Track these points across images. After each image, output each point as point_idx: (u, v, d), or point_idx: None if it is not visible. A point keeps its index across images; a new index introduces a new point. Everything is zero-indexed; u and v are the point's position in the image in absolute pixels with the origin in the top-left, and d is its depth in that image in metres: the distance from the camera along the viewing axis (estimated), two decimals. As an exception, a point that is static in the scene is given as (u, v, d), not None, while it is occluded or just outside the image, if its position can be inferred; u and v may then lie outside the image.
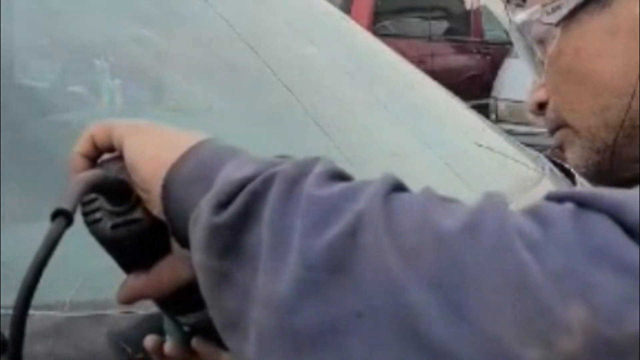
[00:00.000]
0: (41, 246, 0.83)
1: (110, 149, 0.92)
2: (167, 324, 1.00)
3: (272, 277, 0.71)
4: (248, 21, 2.31)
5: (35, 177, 1.78)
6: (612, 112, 0.90)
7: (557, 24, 0.91)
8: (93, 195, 0.89)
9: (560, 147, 0.96)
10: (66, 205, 0.84)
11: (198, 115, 2.10)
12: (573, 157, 0.95)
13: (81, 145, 0.94)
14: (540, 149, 2.77)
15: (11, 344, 0.83)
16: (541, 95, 0.96)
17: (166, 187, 0.83)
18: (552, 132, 0.96)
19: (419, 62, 7.42)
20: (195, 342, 0.97)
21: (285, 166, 0.75)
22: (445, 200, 0.70)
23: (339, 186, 0.73)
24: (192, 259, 0.78)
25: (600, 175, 0.93)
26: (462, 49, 10.57)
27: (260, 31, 2.30)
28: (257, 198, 0.74)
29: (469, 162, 2.23)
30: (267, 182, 0.74)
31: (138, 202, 0.89)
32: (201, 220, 0.76)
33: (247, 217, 0.73)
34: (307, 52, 2.39)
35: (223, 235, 0.74)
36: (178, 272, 0.90)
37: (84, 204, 0.90)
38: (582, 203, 0.66)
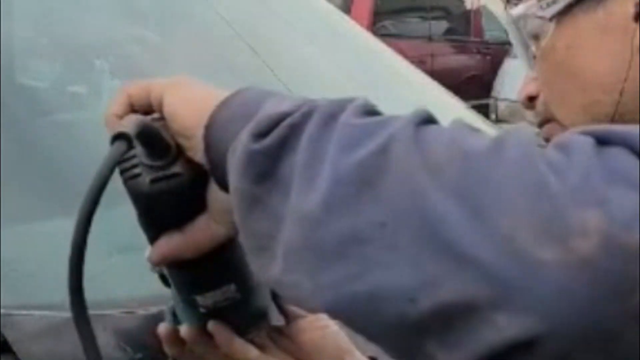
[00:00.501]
0: (100, 168, 0.84)
1: (148, 108, 0.92)
2: (182, 308, 0.99)
3: (304, 195, 0.73)
4: (248, 21, 2.31)
5: (35, 177, 1.78)
6: (599, 108, 0.91)
7: (551, 19, 0.93)
8: (132, 152, 0.89)
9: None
10: (127, 129, 0.85)
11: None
12: None
13: (117, 105, 0.94)
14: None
15: (70, 273, 0.84)
16: (532, 88, 0.98)
17: (208, 128, 0.84)
18: (540, 125, 0.98)
19: (419, 62, 7.42)
20: (211, 325, 0.98)
21: (323, 102, 0.77)
22: (479, 129, 0.73)
23: (374, 117, 0.76)
24: (229, 183, 0.79)
25: None
26: (462, 49, 10.57)
27: (261, 31, 2.30)
28: (295, 130, 0.76)
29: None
30: (306, 116, 0.76)
31: (177, 156, 0.89)
32: (239, 147, 0.78)
33: (284, 146, 0.75)
34: (307, 52, 2.39)
35: (259, 161, 0.76)
36: (212, 231, 0.91)
37: (121, 161, 0.89)
38: (600, 139, 0.67)
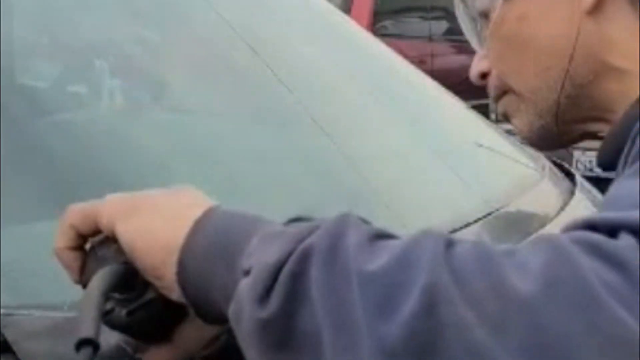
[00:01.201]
0: None
1: (96, 231, 0.88)
2: None
3: None
4: (248, 21, 2.31)
5: (35, 177, 1.78)
6: (553, 73, 0.93)
7: None
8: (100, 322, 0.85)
9: (506, 115, 1.00)
10: (88, 333, 0.81)
11: (198, 115, 2.10)
12: (518, 122, 0.98)
13: (63, 238, 0.90)
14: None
15: None
16: (483, 65, 1.00)
17: (181, 270, 0.80)
18: (497, 99, 0.99)
19: (419, 62, 7.42)
20: None
21: (315, 238, 0.72)
22: (505, 253, 0.68)
23: (388, 254, 0.70)
24: (245, 353, 0.75)
25: (545, 138, 0.96)
26: (462, 49, 10.56)
27: (261, 31, 2.30)
28: (298, 279, 0.71)
29: (469, 162, 2.23)
30: (304, 260, 0.71)
31: (147, 282, 0.86)
32: (245, 316, 0.73)
33: (293, 302, 0.70)
34: (307, 52, 2.39)
35: (274, 328, 0.71)
36: (201, 331, 0.89)
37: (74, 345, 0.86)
38: (613, 228, 0.66)
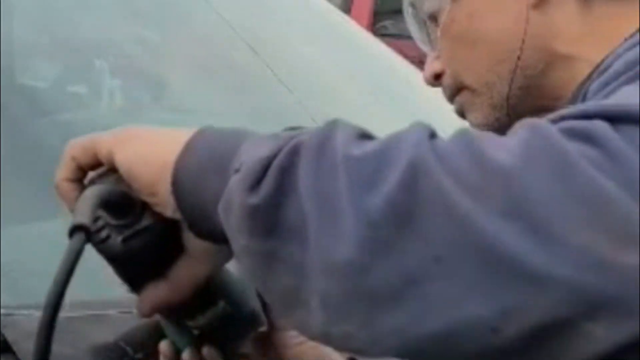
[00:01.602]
0: (62, 263, 0.81)
1: (96, 165, 0.90)
2: (173, 332, 0.98)
3: (328, 244, 0.70)
4: (248, 21, 2.31)
5: (35, 177, 1.78)
6: (504, 66, 0.95)
7: None
8: (95, 213, 0.86)
9: (461, 113, 1.02)
10: (82, 219, 0.81)
11: (198, 115, 2.10)
12: (474, 117, 1.00)
13: (64, 170, 0.91)
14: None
15: None
16: (436, 66, 1.02)
17: (176, 183, 0.82)
18: (452, 98, 1.02)
19: (419, 62, 7.41)
20: (206, 351, 0.97)
21: (305, 136, 0.75)
22: (486, 135, 0.72)
23: (375, 143, 0.73)
24: (233, 246, 0.77)
25: (501, 131, 0.98)
26: (462, 49, 10.54)
27: (261, 31, 2.30)
28: (287, 171, 0.73)
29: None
30: (293, 154, 0.73)
31: (143, 210, 0.87)
32: (235, 204, 0.75)
33: (281, 192, 0.73)
34: (307, 52, 2.39)
35: (262, 214, 0.73)
36: (196, 270, 0.90)
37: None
38: (612, 118, 0.68)
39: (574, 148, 0.67)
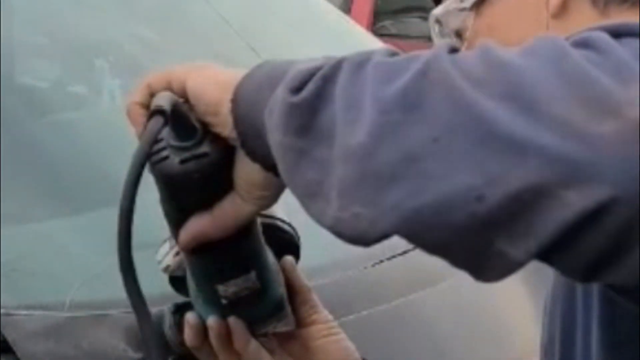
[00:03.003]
0: (140, 143, 0.84)
1: None
2: (203, 300, 0.99)
3: (349, 134, 0.75)
4: (248, 21, 2.31)
5: (35, 177, 1.78)
6: None
7: (471, 8, 1.00)
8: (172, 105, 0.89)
9: None
10: (163, 103, 0.86)
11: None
12: None
13: (138, 94, 0.95)
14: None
15: (119, 249, 0.85)
16: None
17: (236, 99, 0.87)
18: None
19: (419, 62, 7.41)
20: (233, 321, 0.99)
21: (350, 54, 0.81)
22: (501, 47, 0.77)
23: (403, 55, 0.79)
24: (271, 142, 0.82)
25: None
26: (462, 49, 10.56)
27: (261, 31, 2.30)
28: (328, 81, 0.79)
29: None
30: (336, 67, 0.79)
31: (204, 137, 0.90)
32: (277, 104, 0.80)
33: (320, 98, 0.78)
34: (307, 52, 2.39)
35: (299, 114, 0.79)
36: (240, 207, 0.92)
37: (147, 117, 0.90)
38: (615, 33, 0.75)
39: (574, 50, 0.73)
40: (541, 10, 0.96)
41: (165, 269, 0.99)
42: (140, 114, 0.93)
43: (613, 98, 0.70)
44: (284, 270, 1.02)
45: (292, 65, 0.84)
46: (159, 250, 0.98)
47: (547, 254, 0.71)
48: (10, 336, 1.35)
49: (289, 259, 1.03)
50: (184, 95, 0.91)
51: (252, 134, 0.86)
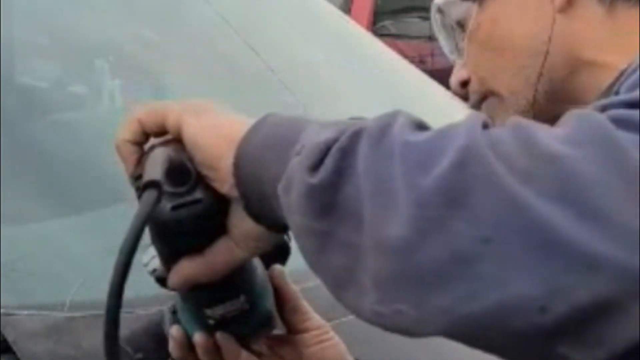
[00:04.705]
0: (135, 218, 0.82)
1: (160, 133, 0.91)
2: (188, 319, 0.99)
3: (382, 223, 0.71)
4: (248, 21, 2.31)
5: (35, 177, 1.78)
6: (530, 70, 0.96)
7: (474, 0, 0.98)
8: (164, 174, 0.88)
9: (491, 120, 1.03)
10: (156, 176, 0.83)
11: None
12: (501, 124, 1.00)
13: (128, 131, 0.92)
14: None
15: (105, 337, 0.82)
16: (463, 74, 1.03)
17: (239, 160, 0.84)
18: (478, 104, 1.02)
19: (419, 62, 7.41)
20: (220, 337, 0.98)
21: (367, 122, 0.77)
22: (538, 125, 0.73)
23: (431, 131, 0.75)
24: (290, 224, 0.79)
25: None
26: (462, 49, 10.52)
27: (261, 31, 2.30)
28: (347, 154, 0.75)
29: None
30: (354, 138, 0.75)
31: (198, 182, 0.88)
32: (295, 184, 0.76)
33: (340, 174, 0.74)
34: (307, 52, 2.39)
35: (320, 194, 0.75)
36: (233, 253, 0.91)
37: (138, 189, 0.88)
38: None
39: (623, 135, 0.68)
40: (546, 4, 0.95)
41: (152, 272, 0.98)
42: (131, 152, 0.90)
43: None
44: (272, 278, 1.01)
45: (302, 128, 0.80)
46: (145, 252, 0.97)
47: None
48: (10, 336, 1.35)
49: (277, 268, 1.02)
50: (178, 136, 0.88)
51: (258, 199, 0.83)
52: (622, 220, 0.66)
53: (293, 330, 1.03)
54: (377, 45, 2.68)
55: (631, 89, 0.78)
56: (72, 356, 1.41)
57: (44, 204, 1.71)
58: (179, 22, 2.29)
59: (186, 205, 0.88)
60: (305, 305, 1.03)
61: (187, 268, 0.91)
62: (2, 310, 1.35)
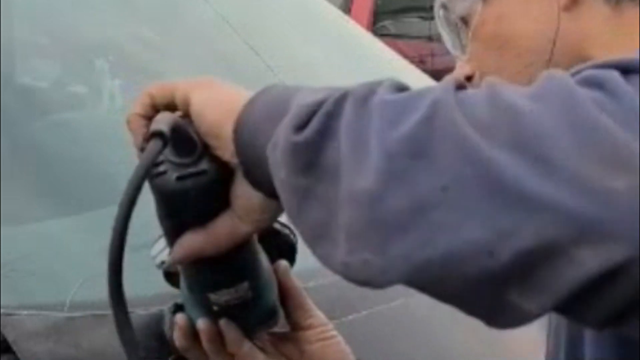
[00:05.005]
0: (138, 166, 0.84)
1: (171, 108, 0.92)
2: (193, 305, 0.99)
3: (355, 175, 0.74)
4: (249, 21, 2.31)
5: (35, 177, 1.78)
6: (534, 69, 0.95)
7: None
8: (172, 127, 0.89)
9: None
10: (162, 126, 0.85)
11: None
12: None
13: (139, 105, 0.94)
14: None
15: (109, 260, 0.85)
16: (466, 70, 1.03)
17: (238, 127, 0.86)
18: None
19: (419, 62, 7.41)
20: (224, 324, 0.98)
21: (354, 87, 0.79)
22: (511, 85, 0.75)
23: (409, 91, 0.78)
24: (275, 181, 0.81)
25: None
26: (462, 49, 10.51)
27: (261, 31, 2.30)
28: (332, 116, 0.77)
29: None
30: (340, 102, 0.77)
31: (203, 154, 0.90)
32: (280, 142, 0.79)
33: (324, 134, 0.77)
34: (307, 52, 2.40)
35: (304, 152, 0.77)
36: (237, 227, 0.92)
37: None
38: (623, 69, 0.72)
39: (583, 92, 0.71)
40: (552, 2, 0.95)
41: (160, 265, 0.99)
42: (141, 125, 0.92)
43: (626, 151, 0.68)
44: (277, 274, 1.01)
45: (295, 94, 0.83)
46: (154, 245, 0.98)
47: (562, 309, 0.70)
48: (10, 336, 1.35)
49: (282, 263, 1.02)
50: (186, 110, 0.90)
51: (254, 164, 0.85)
52: (571, 167, 0.68)
53: (296, 327, 1.03)
54: (377, 45, 2.68)
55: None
56: (72, 356, 1.41)
57: (44, 204, 1.71)
58: (179, 22, 2.29)
59: (192, 176, 0.89)
60: (309, 302, 1.04)
61: (191, 240, 0.92)
62: (2, 310, 1.35)
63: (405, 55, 2.82)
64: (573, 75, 0.74)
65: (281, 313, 1.02)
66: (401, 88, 0.79)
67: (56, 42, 2.24)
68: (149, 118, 0.92)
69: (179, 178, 0.89)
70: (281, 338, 1.04)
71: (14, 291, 1.44)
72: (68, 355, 1.41)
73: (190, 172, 0.89)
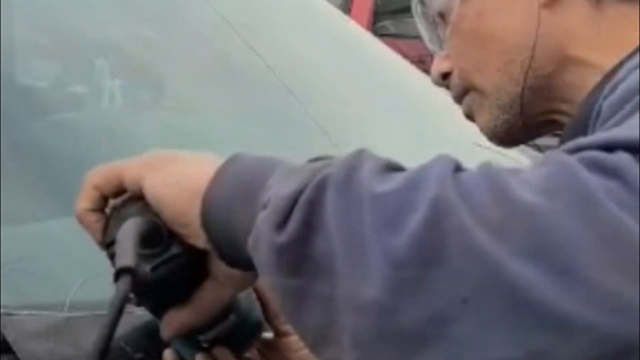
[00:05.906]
0: (110, 307, 0.81)
1: (120, 194, 0.89)
2: (183, 345, 0.99)
3: (356, 281, 0.69)
4: (248, 21, 2.31)
5: (35, 177, 1.78)
6: (515, 66, 0.94)
7: None
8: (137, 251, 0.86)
9: (469, 116, 1.00)
10: (127, 261, 0.82)
11: (198, 115, 2.10)
12: (482, 120, 0.99)
13: (86, 200, 0.90)
14: (540, 148, 2.77)
15: None
16: (444, 65, 1.01)
17: (206, 209, 0.81)
18: (460, 98, 1.00)
19: (419, 62, 7.41)
20: (218, 350, 0.97)
21: (331, 169, 0.74)
22: (510, 171, 0.71)
23: (399, 178, 0.72)
24: (263, 282, 0.78)
25: (511, 133, 0.97)
26: (462, 49, 10.50)
27: (261, 31, 2.30)
28: (313, 207, 0.72)
29: (469, 162, 2.23)
30: (320, 189, 0.73)
31: (171, 237, 0.87)
32: (262, 242, 0.74)
33: (308, 228, 0.72)
34: (307, 52, 2.39)
35: (290, 252, 0.73)
36: (220, 292, 0.90)
37: (113, 256, 0.87)
38: (634, 149, 0.68)
39: (596, 182, 0.67)
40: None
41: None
42: (93, 220, 0.88)
43: None
44: (255, 284, 1.00)
45: (265, 170, 0.77)
46: None
47: None
48: (10, 336, 1.35)
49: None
50: (138, 193, 0.86)
51: (229, 245, 0.81)
52: (595, 278, 0.64)
53: (279, 333, 1.02)
54: (377, 45, 2.68)
55: (614, 108, 0.77)
56: (72, 356, 1.41)
57: (44, 204, 1.71)
58: (179, 22, 2.28)
59: (165, 262, 0.87)
60: None
61: (177, 318, 0.90)
62: (2, 310, 1.35)
63: (405, 55, 2.82)
64: (572, 152, 0.70)
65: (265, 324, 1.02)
66: (385, 166, 0.74)
67: (56, 42, 2.23)
68: (101, 209, 0.89)
69: (153, 269, 0.87)
70: (267, 346, 1.03)
71: (14, 291, 1.44)
72: (68, 355, 1.41)
73: (163, 259, 0.87)
